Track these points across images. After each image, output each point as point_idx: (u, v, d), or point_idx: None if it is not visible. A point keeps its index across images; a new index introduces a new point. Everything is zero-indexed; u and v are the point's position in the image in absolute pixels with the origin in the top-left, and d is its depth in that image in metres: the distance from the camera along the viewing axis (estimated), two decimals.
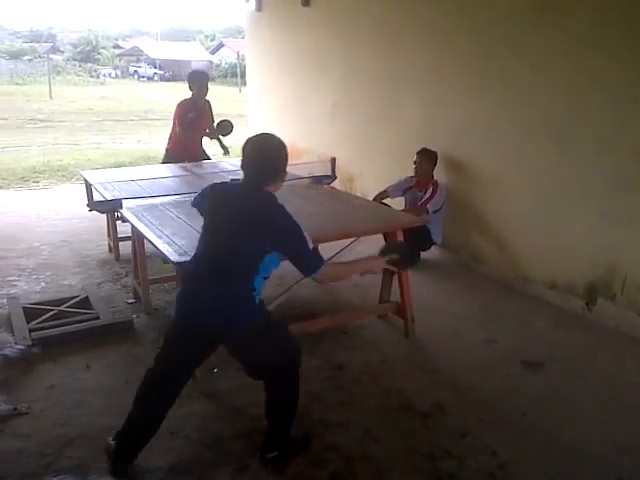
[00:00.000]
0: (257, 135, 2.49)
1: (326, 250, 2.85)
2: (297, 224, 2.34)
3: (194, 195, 2.71)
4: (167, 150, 5.86)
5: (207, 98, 5.84)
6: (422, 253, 5.00)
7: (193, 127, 5.64)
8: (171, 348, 2.47)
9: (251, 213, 2.35)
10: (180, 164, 5.52)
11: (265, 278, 2.40)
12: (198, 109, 5.66)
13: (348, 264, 2.75)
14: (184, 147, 5.71)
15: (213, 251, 2.39)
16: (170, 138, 5.83)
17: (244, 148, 2.41)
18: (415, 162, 4.89)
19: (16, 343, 3.39)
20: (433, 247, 5.04)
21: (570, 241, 4.02)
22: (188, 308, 2.40)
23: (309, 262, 2.39)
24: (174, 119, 5.69)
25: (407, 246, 2.87)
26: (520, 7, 4.16)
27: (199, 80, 5.70)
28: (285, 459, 2.52)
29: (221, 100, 23.48)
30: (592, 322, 3.87)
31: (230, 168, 5.45)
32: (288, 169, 2.50)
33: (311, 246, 2.36)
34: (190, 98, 5.75)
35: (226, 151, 6.15)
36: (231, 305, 2.32)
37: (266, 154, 2.40)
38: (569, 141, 3.92)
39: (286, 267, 3.26)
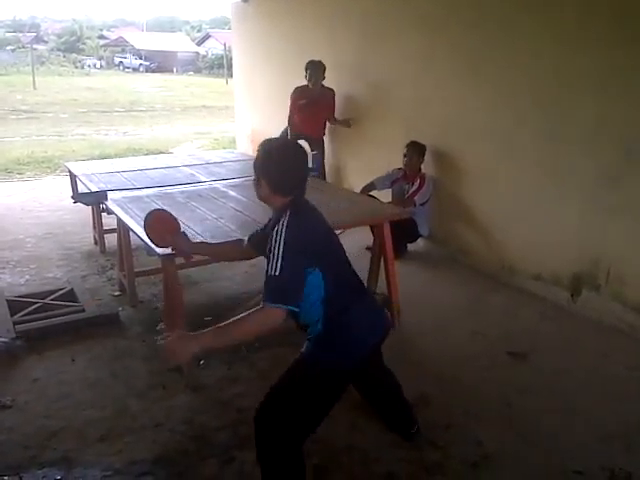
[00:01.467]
0: (282, 141, 2.42)
1: None
2: None
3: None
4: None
5: (330, 87, 6.03)
6: (409, 245, 5.02)
7: (304, 112, 5.96)
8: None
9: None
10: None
11: None
12: (311, 96, 5.91)
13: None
14: (299, 129, 6.03)
15: (349, 267, 2.25)
16: (288, 119, 6.15)
17: (290, 160, 2.12)
18: (405, 155, 4.89)
19: (0, 336, 3.35)
20: (420, 239, 5.06)
21: (556, 233, 4.05)
22: (372, 327, 2.22)
23: None
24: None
25: None
26: (509, 2, 4.17)
27: (312, 68, 5.89)
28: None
29: (209, 92, 23.47)
30: (577, 313, 3.91)
31: (217, 160, 5.44)
32: None
33: None
34: (303, 85, 6.00)
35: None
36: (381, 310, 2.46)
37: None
38: (555, 135, 3.94)
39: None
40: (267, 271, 1.96)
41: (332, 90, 6.03)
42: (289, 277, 1.93)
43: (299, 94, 5.98)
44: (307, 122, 6.00)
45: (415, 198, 4.80)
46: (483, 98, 4.46)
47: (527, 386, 3.09)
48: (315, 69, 5.86)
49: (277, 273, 1.92)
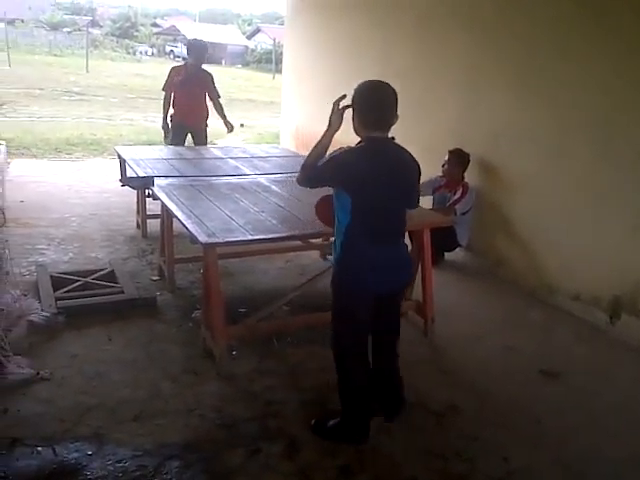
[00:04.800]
0: (374, 83, 2.64)
1: None
2: None
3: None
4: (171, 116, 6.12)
5: (208, 70, 6.19)
6: (446, 254, 4.98)
7: (183, 91, 5.91)
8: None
9: (409, 166, 2.58)
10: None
11: None
12: (188, 75, 5.93)
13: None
14: (182, 113, 6.02)
15: (386, 215, 2.50)
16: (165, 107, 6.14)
17: (371, 98, 2.57)
18: (445, 161, 4.85)
19: (42, 310, 3.46)
20: (458, 249, 5.02)
21: (598, 254, 3.97)
22: (380, 273, 2.50)
23: None
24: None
25: None
26: (564, 9, 4.10)
27: (197, 48, 6.03)
28: None
29: (255, 86, 23.64)
30: (614, 337, 3.82)
31: (262, 154, 5.49)
32: None
33: None
34: (181, 64, 6.27)
35: (230, 128, 6.40)
36: (408, 257, 2.67)
37: (394, 101, 2.58)
38: (603, 154, 3.86)
39: (311, 255, 3.09)
40: None
41: (210, 74, 6.11)
42: (320, 171, 2.49)
43: (177, 71, 6.01)
44: (186, 105, 5.91)
45: (456, 207, 4.76)
46: (531, 110, 4.39)
47: (558, 405, 3.05)
48: (197, 48, 5.99)
49: (318, 164, 2.50)
